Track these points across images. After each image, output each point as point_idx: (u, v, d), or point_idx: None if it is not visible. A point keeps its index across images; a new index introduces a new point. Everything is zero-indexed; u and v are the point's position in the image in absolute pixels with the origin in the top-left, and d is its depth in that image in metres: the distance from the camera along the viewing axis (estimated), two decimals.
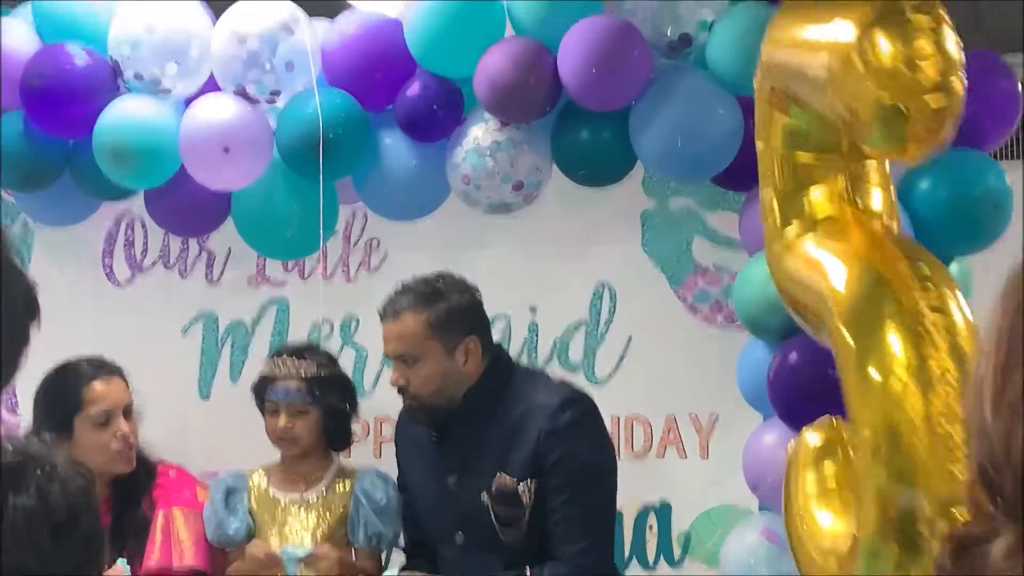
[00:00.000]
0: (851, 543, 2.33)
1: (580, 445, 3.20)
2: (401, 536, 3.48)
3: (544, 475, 3.17)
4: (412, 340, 3.21)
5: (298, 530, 3.39)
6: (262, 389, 3.42)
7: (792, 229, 2.59)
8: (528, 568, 3.13)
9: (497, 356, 3.35)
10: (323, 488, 3.42)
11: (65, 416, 3.31)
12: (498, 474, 3.18)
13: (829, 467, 2.54)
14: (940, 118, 2.19)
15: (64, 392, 3.33)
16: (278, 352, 3.50)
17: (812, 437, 2.64)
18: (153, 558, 3.31)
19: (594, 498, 3.22)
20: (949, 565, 0.88)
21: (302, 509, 3.40)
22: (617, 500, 3.56)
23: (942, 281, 2.41)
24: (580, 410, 3.24)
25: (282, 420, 3.36)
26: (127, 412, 3.36)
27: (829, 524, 2.49)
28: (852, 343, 2.35)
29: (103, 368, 3.38)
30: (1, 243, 1.59)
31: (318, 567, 3.30)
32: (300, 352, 3.45)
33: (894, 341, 2.29)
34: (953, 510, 2.19)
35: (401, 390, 3.27)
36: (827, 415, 2.69)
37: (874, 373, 2.30)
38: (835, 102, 2.31)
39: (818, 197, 2.55)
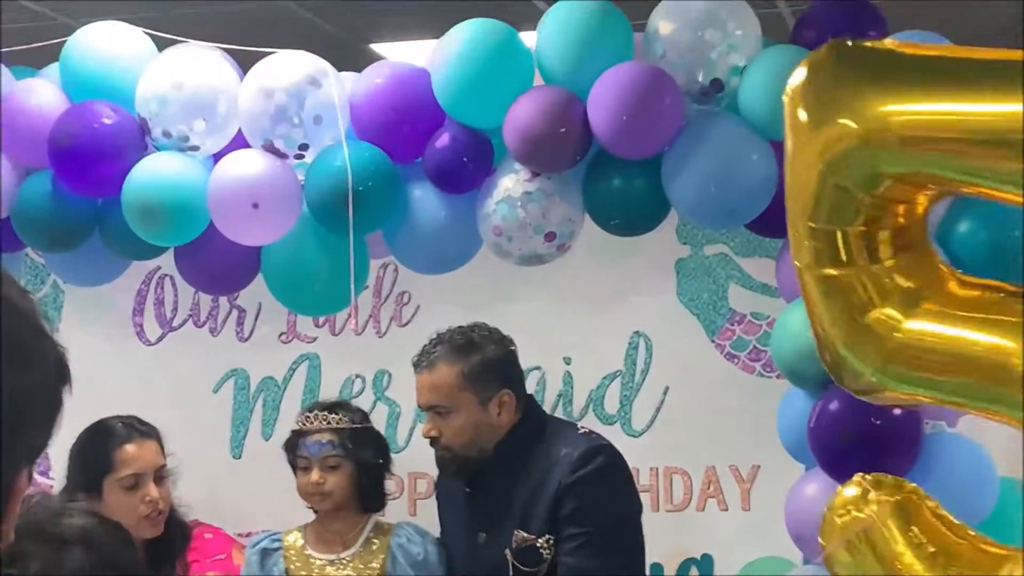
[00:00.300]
0: None
1: (595, 497, 3.17)
2: None
3: (560, 521, 3.14)
4: (446, 391, 3.20)
5: None
6: (294, 445, 3.40)
7: (894, 304, 2.46)
8: None
9: (529, 408, 3.32)
10: (359, 546, 3.39)
11: (95, 477, 3.31)
12: (516, 531, 3.16)
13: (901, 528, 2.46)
14: None
15: (96, 453, 3.33)
16: (310, 407, 3.47)
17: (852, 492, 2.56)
18: None
19: (608, 552, 3.16)
20: None
21: (339, 568, 3.37)
22: (656, 553, 3.53)
23: None
24: (600, 462, 3.21)
25: (314, 475, 3.34)
26: (159, 476, 3.35)
27: None
28: None
29: (137, 430, 3.37)
30: (28, 309, 1.59)
31: None
32: (332, 407, 3.43)
33: None
34: None
35: (433, 441, 3.25)
36: (858, 473, 2.61)
37: None
38: None
39: (907, 265, 2.45)
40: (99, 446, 3.33)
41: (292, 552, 3.43)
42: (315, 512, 3.47)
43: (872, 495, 2.51)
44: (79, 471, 3.37)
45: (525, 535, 3.16)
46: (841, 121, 2.19)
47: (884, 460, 2.97)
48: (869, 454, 3.00)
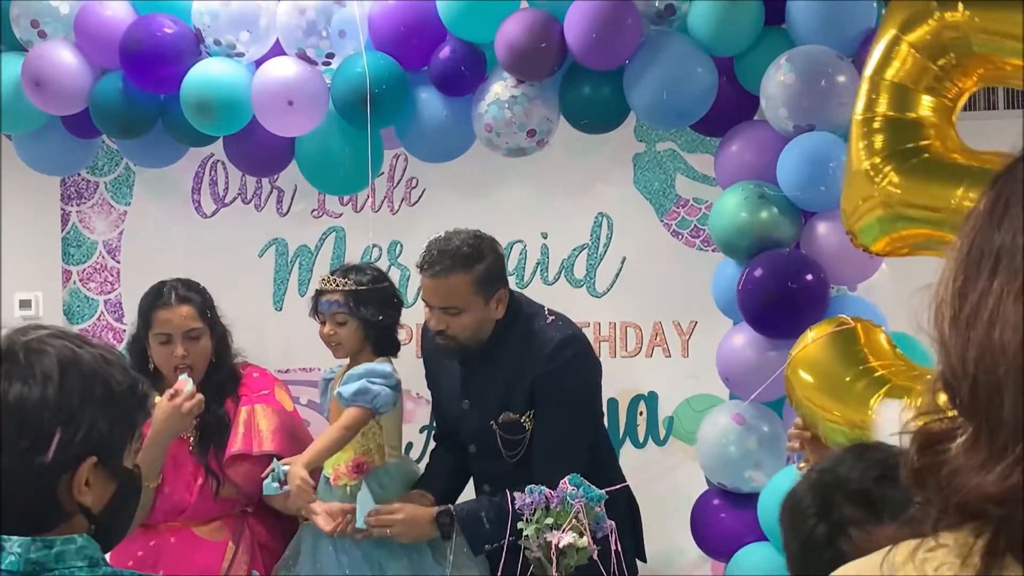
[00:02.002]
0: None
1: (565, 385, 3.11)
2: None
3: (537, 404, 3.11)
4: (459, 296, 3.05)
5: None
6: (316, 302, 3.34)
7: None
8: (508, 491, 2.98)
9: (510, 300, 3.20)
10: None
11: (143, 330, 3.29)
12: (504, 413, 3.11)
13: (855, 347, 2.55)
14: None
15: (144, 311, 3.30)
16: (332, 271, 3.38)
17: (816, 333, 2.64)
18: (236, 446, 3.26)
19: (570, 428, 3.12)
20: (916, 459, 0.85)
21: None
22: (613, 390, 3.55)
23: None
24: (569, 353, 3.12)
25: (326, 328, 3.28)
26: (189, 336, 3.25)
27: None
28: None
29: (177, 296, 3.28)
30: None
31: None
32: (346, 271, 3.32)
33: None
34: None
35: (440, 333, 3.12)
36: (836, 316, 2.71)
37: None
38: None
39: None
40: (146, 306, 3.29)
41: (336, 382, 3.36)
42: None
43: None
44: (139, 322, 3.34)
45: (511, 415, 3.11)
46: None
47: (797, 316, 2.99)
48: (785, 311, 3.02)
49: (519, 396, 3.11)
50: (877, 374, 2.49)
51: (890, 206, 2.49)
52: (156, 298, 3.28)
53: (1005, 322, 0.80)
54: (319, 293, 3.32)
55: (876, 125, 2.54)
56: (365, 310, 3.24)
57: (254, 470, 3.26)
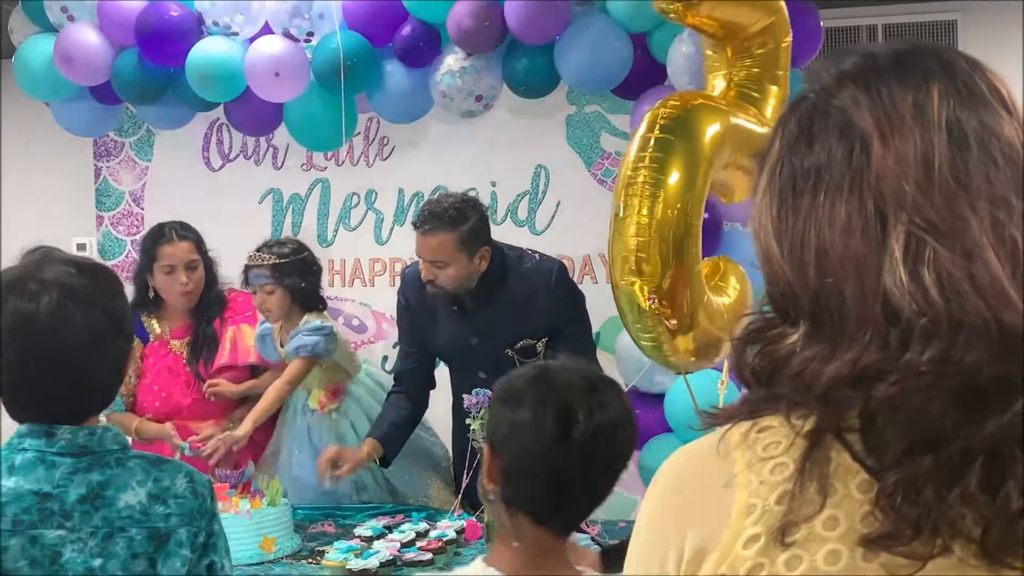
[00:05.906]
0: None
1: (574, 304, 2.98)
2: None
3: (555, 327, 2.91)
4: (444, 251, 2.80)
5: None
6: (245, 275, 3.05)
7: None
8: None
9: (494, 249, 2.91)
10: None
11: (149, 263, 3.13)
12: (524, 340, 2.89)
13: None
14: None
15: (149, 247, 3.14)
16: (256, 248, 3.04)
17: None
18: (223, 358, 3.15)
19: (588, 336, 3.02)
20: (758, 361, 0.78)
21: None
22: None
23: None
24: (566, 277, 2.98)
25: (257, 299, 3.03)
26: (189, 267, 3.11)
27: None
28: None
29: (177, 234, 3.12)
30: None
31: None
32: (271, 245, 3.04)
33: None
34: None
35: (430, 282, 2.87)
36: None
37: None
38: None
39: None
40: (150, 243, 3.14)
41: (275, 336, 3.12)
42: None
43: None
44: (142, 257, 3.18)
45: (530, 340, 2.88)
46: None
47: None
48: None
49: (532, 322, 2.89)
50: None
51: None
52: (159, 236, 3.13)
53: (836, 227, 0.74)
54: (248, 268, 3.03)
55: None
56: (289, 279, 3.01)
57: (240, 376, 3.19)
